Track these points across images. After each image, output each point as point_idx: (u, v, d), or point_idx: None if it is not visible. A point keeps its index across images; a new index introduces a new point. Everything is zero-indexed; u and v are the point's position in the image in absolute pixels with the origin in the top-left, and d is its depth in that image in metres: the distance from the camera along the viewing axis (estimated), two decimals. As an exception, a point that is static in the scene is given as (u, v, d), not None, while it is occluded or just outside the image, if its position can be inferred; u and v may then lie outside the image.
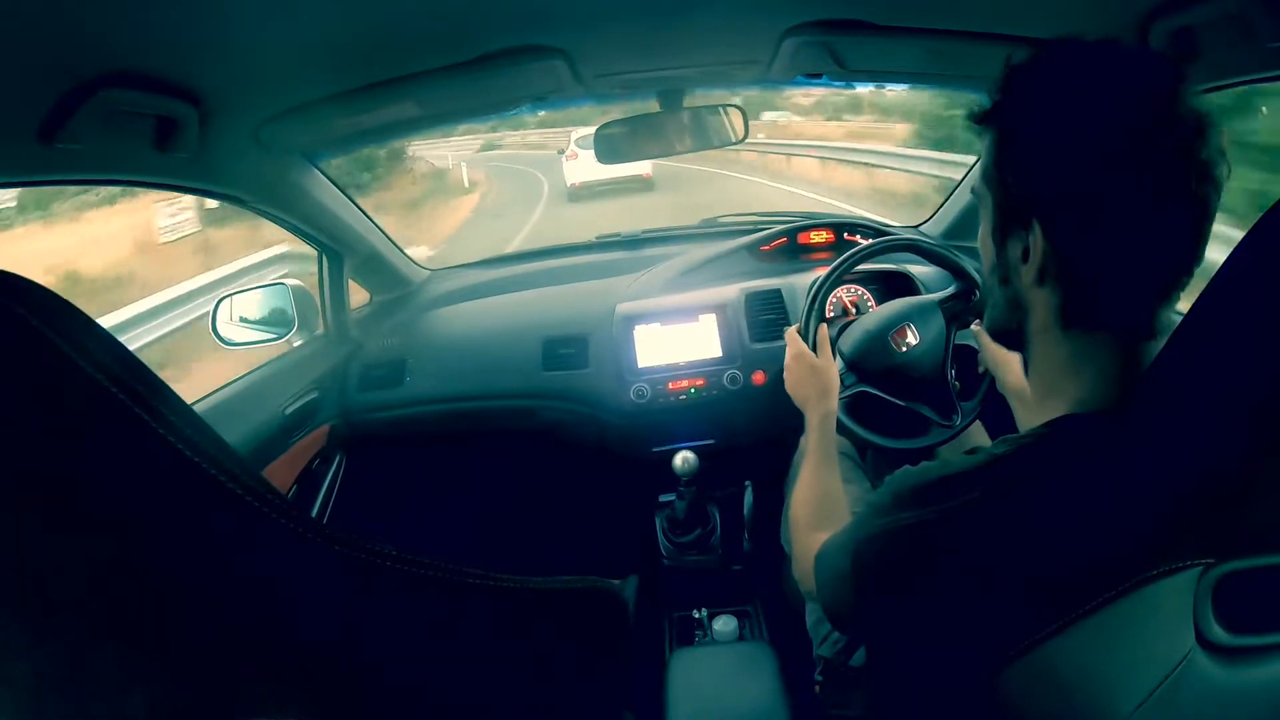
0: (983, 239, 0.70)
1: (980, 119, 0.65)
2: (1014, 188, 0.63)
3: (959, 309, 1.37)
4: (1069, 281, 0.61)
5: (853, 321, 1.44)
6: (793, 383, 1.24)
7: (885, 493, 0.68)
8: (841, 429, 1.24)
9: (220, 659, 0.36)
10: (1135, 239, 0.57)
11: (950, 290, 1.40)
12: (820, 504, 1.00)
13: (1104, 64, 0.58)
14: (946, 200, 2.02)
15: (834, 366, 1.23)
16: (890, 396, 1.33)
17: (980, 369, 1.32)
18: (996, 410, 1.24)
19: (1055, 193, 0.60)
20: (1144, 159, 0.55)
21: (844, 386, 1.29)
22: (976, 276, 1.37)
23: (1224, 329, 0.50)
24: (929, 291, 1.60)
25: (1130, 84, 0.56)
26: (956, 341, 1.37)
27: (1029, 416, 0.68)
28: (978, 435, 1.38)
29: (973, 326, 1.35)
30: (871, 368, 1.34)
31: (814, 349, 1.26)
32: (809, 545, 0.87)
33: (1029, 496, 0.57)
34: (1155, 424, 0.53)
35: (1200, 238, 0.57)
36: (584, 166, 11.93)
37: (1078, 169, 0.57)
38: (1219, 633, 0.52)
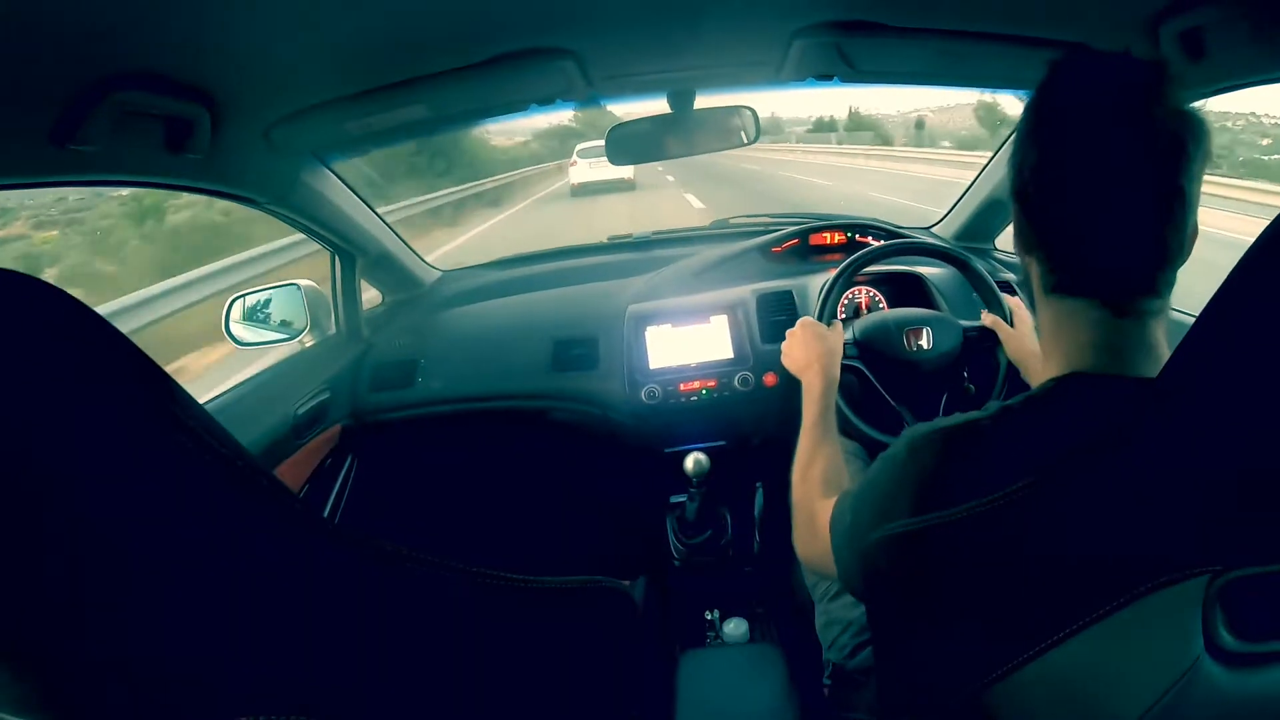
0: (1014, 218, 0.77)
1: None
2: (1011, 172, 0.71)
3: (983, 346, 1.37)
4: (1042, 252, 0.69)
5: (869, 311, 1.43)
6: (794, 345, 1.23)
7: (899, 444, 0.71)
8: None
9: (228, 658, 0.36)
10: (1089, 218, 0.64)
11: (977, 323, 1.38)
12: (829, 474, 0.99)
13: (1089, 65, 0.66)
14: (958, 203, 2.01)
15: (842, 336, 1.22)
16: (881, 387, 1.34)
17: (1002, 361, 1.32)
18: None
19: (1027, 173, 0.68)
20: (1100, 146, 0.62)
21: (845, 357, 1.30)
22: (985, 275, 1.36)
23: (1250, 316, 0.48)
24: (941, 294, 1.61)
25: (1102, 82, 0.63)
26: (977, 337, 1.37)
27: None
28: None
29: (984, 316, 1.36)
30: (876, 352, 1.35)
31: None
32: (819, 512, 0.87)
33: (1049, 493, 0.57)
34: (1181, 415, 0.52)
35: (1169, 227, 0.62)
36: (581, 171, 16.45)
37: (1043, 154, 0.66)
38: (1227, 639, 0.51)
